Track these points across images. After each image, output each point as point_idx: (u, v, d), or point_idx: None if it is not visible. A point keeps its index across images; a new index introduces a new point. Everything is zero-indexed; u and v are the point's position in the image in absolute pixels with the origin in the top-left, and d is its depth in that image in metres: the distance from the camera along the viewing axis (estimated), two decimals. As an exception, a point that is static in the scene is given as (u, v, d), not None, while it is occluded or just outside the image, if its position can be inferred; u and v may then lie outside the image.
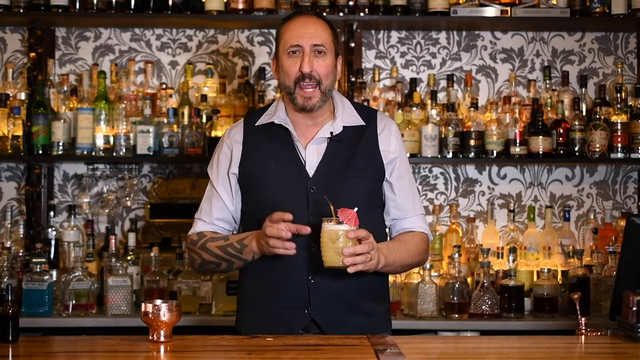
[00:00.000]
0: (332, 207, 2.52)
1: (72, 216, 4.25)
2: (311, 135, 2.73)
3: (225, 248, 2.69)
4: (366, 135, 2.75)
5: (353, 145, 2.73)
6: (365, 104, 4.05)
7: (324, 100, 2.69)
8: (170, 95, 4.32)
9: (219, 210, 2.79)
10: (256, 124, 2.78)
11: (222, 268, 2.75)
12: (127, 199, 4.31)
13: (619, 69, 4.32)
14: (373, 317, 2.74)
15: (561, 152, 4.13)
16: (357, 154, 2.72)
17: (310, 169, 2.70)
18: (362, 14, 4.14)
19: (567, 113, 4.22)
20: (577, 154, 4.12)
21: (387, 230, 2.85)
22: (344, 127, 2.73)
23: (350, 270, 2.48)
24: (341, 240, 2.47)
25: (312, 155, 2.71)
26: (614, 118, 4.13)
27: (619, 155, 4.11)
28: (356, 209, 2.50)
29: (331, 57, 2.69)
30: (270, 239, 2.53)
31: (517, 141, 4.10)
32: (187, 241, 2.83)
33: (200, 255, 2.75)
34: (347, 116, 2.76)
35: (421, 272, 3.87)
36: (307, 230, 2.54)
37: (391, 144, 2.77)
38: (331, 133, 2.72)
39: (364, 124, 2.76)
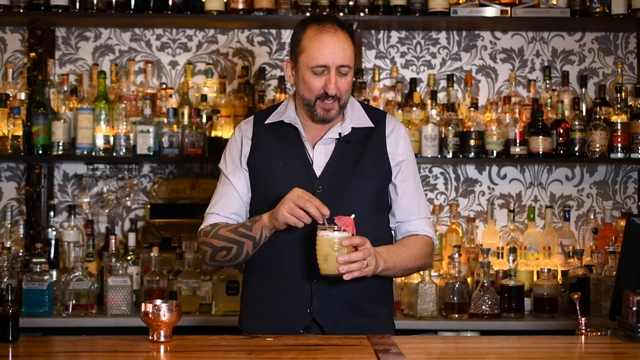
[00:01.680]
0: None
1: (72, 216, 4.25)
2: (320, 135, 2.74)
3: (237, 229, 2.67)
4: (374, 137, 2.76)
5: (361, 147, 2.73)
6: (365, 103, 4.05)
7: (340, 112, 2.71)
8: (170, 95, 4.32)
9: (234, 202, 2.75)
10: (266, 122, 2.79)
11: (233, 254, 2.67)
12: (127, 199, 4.31)
13: (619, 69, 4.32)
14: (375, 319, 2.74)
15: (561, 152, 4.13)
16: (364, 156, 2.73)
17: (318, 168, 2.71)
18: (362, 14, 4.14)
19: (567, 113, 4.22)
20: (577, 154, 4.12)
21: (392, 232, 2.85)
22: (352, 128, 2.74)
23: (345, 277, 2.47)
24: (336, 248, 2.46)
25: (319, 155, 2.72)
26: (614, 118, 4.13)
27: (619, 155, 4.11)
28: (353, 215, 2.49)
29: (352, 71, 2.69)
30: (296, 209, 2.50)
31: (517, 141, 4.10)
32: (199, 235, 2.77)
33: (212, 243, 2.70)
34: (356, 117, 2.77)
35: (421, 272, 3.87)
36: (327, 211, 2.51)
37: (399, 146, 2.78)
38: (339, 134, 2.72)
39: (373, 125, 2.77)
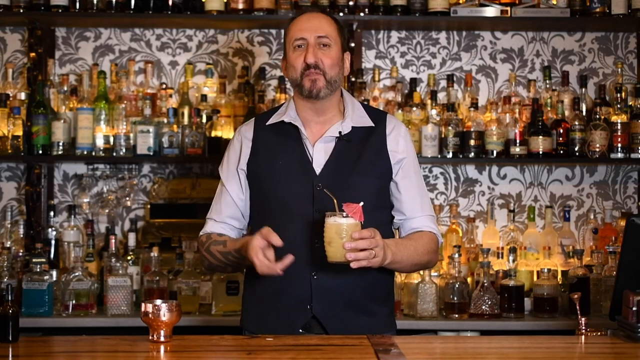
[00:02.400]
0: (334, 201, 2.52)
1: (72, 216, 4.25)
2: (320, 134, 2.76)
3: (227, 255, 2.73)
4: (375, 136, 2.77)
5: (361, 146, 2.75)
6: (366, 103, 4.05)
7: (329, 90, 2.72)
8: (170, 95, 4.32)
9: (228, 207, 2.81)
10: (267, 123, 2.81)
11: (230, 270, 2.84)
12: (127, 199, 4.31)
13: (619, 69, 4.32)
14: (376, 318, 2.74)
15: (561, 152, 4.13)
16: (364, 154, 2.74)
17: (318, 166, 2.72)
18: (362, 14, 4.14)
19: (567, 113, 4.22)
20: (577, 154, 4.12)
21: (394, 231, 2.86)
22: (352, 127, 2.75)
23: (353, 265, 2.47)
24: (344, 235, 2.47)
25: (319, 154, 2.73)
26: (614, 118, 4.13)
27: (619, 155, 4.11)
28: (362, 203, 2.50)
29: (336, 49, 2.73)
30: (256, 261, 2.53)
31: (517, 141, 4.10)
32: (198, 240, 2.85)
33: (207, 258, 2.79)
34: (356, 117, 2.78)
35: (421, 272, 3.87)
36: (290, 259, 2.53)
37: (399, 144, 2.79)
38: (340, 132, 2.73)
39: (373, 125, 2.78)
